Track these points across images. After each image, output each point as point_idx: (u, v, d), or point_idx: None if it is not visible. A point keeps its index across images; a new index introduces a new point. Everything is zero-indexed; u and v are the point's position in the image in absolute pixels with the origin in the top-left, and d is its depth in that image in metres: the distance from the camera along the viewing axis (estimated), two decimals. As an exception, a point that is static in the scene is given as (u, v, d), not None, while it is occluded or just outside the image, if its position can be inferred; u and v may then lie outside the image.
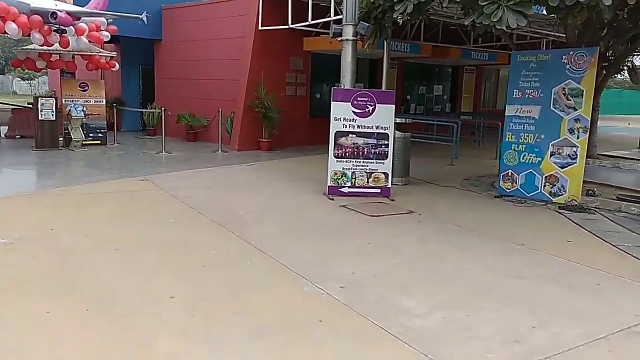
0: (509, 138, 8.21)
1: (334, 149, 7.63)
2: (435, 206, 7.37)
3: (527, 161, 8.02)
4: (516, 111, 8.12)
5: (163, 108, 13.06)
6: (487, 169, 11.28)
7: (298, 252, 5.02)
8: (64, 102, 12.39)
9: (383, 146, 7.75)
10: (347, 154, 7.67)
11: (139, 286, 4.12)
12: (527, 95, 7.99)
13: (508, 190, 8.21)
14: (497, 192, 8.34)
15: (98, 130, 12.96)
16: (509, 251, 5.30)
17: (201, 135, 14.33)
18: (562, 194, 7.68)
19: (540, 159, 7.88)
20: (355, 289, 4.12)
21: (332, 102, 7.60)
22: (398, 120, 8.58)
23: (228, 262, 4.70)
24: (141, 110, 15.77)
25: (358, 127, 7.65)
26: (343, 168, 7.68)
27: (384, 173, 7.76)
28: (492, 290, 4.23)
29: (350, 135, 7.66)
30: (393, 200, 7.59)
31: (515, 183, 8.15)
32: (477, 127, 16.19)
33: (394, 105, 7.81)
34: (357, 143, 7.69)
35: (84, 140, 12.44)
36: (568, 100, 7.63)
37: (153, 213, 6.39)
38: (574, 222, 6.63)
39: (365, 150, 7.70)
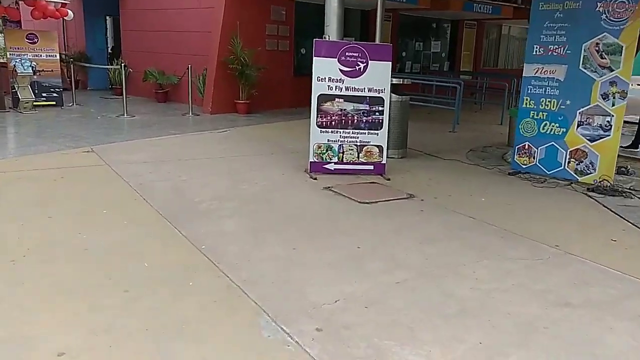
0: (526, 104, 6.85)
1: (317, 117, 6.24)
2: (440, 187, 6.07)
3: (548, 132, 6.69)
4: (536, 71, 6.73)
5: (123, 64, 11.48)
6: (493, 137, 9.96)
7: (262, 263, 3.72)
8: (8, 56, 10.75)
9: (377, 113, 6.37)
10: (334, 122, 6.29)
11: (13, 332, 2.80)
12: (550, 52, 6.59)
13: (524, 166, 6.92)
14: (510, 168, 7.05)
15: (52, 90, 11.36)
16: (541, 258, 4.03)
17: (172, 95, 12.77)
18: (591, 173, 6.40)
19: (564, 130, 6.56)
20: (337, 334, 2.83)
21: (314, 58, 6.15)
22: (395, 80, 7.17)
23: (162, 282, 3.37)
24: (104, 67, 14.10)
25: (346, 89, 6.24)
26: (328, 140, 6.31)
27: (377, 146, 6.41)
28: (533, 331, 2.97)
29: (336, 99, 6.26)
30: (389, 179, 6.28)
31: (533, 158, 6.85)
32: (479, 89, 14.76)
33: (390, 63, 6.38)
34: (345, 109, 6.29)
35: (35, 101, 10.88)
36: (602, 58, 6.24)
37: (84, 200, 5.02)
38: (611, 211, 5.37)
39: (356, 118, 6.32)
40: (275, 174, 6.30)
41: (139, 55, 13.57)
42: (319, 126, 6.23)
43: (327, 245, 4.14)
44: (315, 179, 6.12)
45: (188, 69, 10.91)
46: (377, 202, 5.33)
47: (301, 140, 7.24)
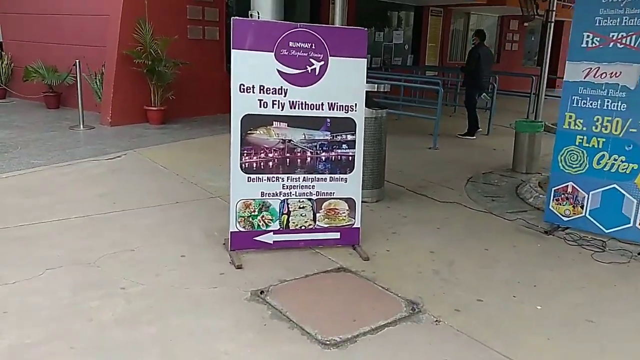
0: (570, 123, 4.45)
1: (242, 155, 3.60)
2: (456, 278, 3.51)
3: (607, 168, 4.33)
4: (587, 74, 4.33)
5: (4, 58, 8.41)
6: (487, 156, 7.60)
7: None
8: None
9: (345, 145, 3.78)
10: (271, 164, 3.67)
11: None
12: (612, 44, 4.21)
13: (566, 219, 4.53)
14: (544, 222, 4.65)
15: None
16: None
17: (68, 100, 9.69)
18: (681, 235, 4.10)
19: (636, 167, 4.22)
20: None
21: (233, 51, 3.49)
22: (368, 87, 4.62)
23: None
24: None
25: (292, 105, 3.61)
26: (263, 194, 3.67)
27: (347, 200, 3.83)
28: None
29: (275, 124, 3.63)
30: (367, 258, 3.72)
31: (582, 207, 4.46)
32: (450, 87, 12.47)
33: (365, 60, 3.80)
34: (290, 141, 3.68)
35: None
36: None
37: None
38: None
39: (309, 154, 3.71)
40: (167, 259, 3.59)
41: (26, 46, 10.41)
42: (245, 171, 3.60)
43: None
44: (240, 266, 3.48)
45: (76, 64, 7.96)
46: (356, 337, 2.74)
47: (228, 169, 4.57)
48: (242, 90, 3.50)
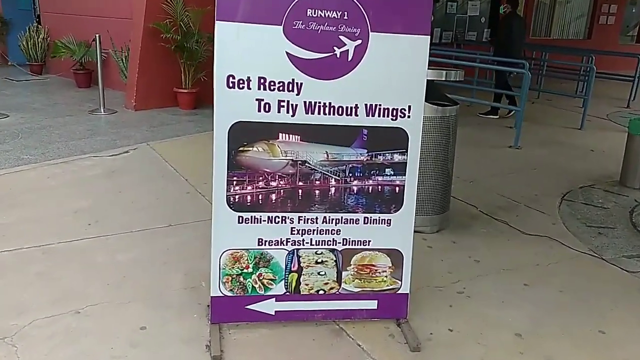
0: None
1: (229, 184, 2.38)
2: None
3: None
4: None
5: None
6: (584, 159, 6.00)
7: None
8: None
9: (389, 171, 2.49)
10: (274, 196, 2.43)
11: None
12: None
13: None
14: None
15: None
16: None
17: (104, 77, 8.84)
18: None
19: None
20: None
21: (218, 24, 2.26)
22: (432, 75, 3.25)
23: None
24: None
25: (309, 108, 2.32)
26: (261, 242, 2.44)
27: (390, 252, 2.55)
28: None
29: (282, 136, 2.38)
30: (417, 348, 2.40)
31: None
32: (536, 68, 10.62)
33: (428, 38, 2.45)
34: (305, 163, 2.42)
35: None
36: None
37: None
38: None
39: (334, 184, 2.43)
40: (120, 333, 2.41)
41: (64, 19, 9.65)
42: (235, 207, 2.38)
43: None
44: (219, 358, 2.29)
45: (95, 39, 7.00)
46: None
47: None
48: (231, 84, 2.25)
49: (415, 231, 2.56)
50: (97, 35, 6.94)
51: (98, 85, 7.20)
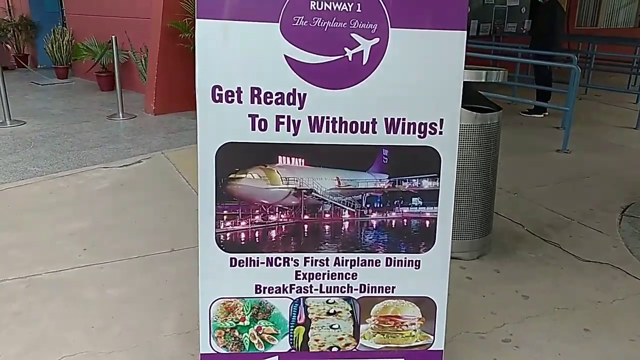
0: None
1: (218, 219, 1.94)
2: None
3: None
4: None
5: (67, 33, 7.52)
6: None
7: None
8: None
9: (416, 200, 2.02)
10: (275, 233, 2.00)
11: None
12: None
13: None
14: None
15: None
16: None
17: (124, 81, 8.59)
18: None
19: None
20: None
21: (200, 22, 1.83)
22: (470, 76, 2.75)
23: None
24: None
25: (315, 125, 1.86)
26: (259, 289, 1.99)
27: (419, 301, 2.07)
28: None
29: (282, 160, 1.95)
30: None
31: None
32: (584, 60, 9.82)
33: (464, 34, 1.97)
34: (312, 193, 1.98)
35: None
36: None
37: None
38: None
39: (348, 217, 1.95)
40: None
41: (86, 21, 9.50)
42: (226, 247, 1.94)
43: None
44: None
45: (112, 40, 6.73)
46: None
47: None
48: (217, 98, 1.82)
49: (451, 257, 2.07)
50: (113, 36, 6.67)
51: (123, 88, 6.96)
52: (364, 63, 1.84)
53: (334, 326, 2.03)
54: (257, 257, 1.94)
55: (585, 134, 6.25)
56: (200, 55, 1.81)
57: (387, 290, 2.02)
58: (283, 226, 1.94)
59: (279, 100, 1.83)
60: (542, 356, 2.33)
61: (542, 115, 7.27)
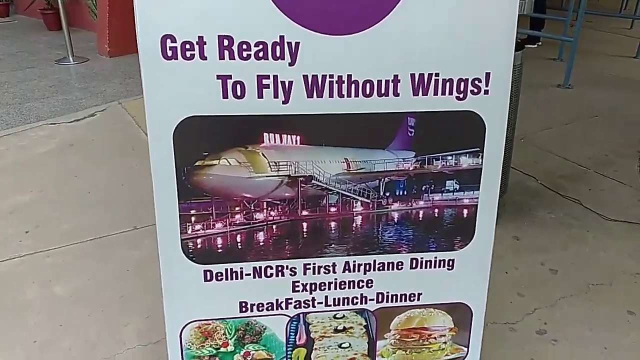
0: None
1: (183, 220, 1.42)
2: None
3: None
4: None
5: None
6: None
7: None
8: None
9: (451, 183, 1.53)
10: (262, 236, 1.50)
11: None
12: None
13: None
14: None
15: None
16: None
17: (74, 18, 7.61)
18: None
19: None
20: None
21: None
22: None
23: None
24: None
25: (313, 88, 1.32)
26: (244, 307, 1.47)
27: (451, 309, 1.61)
28: None
29: (269, 138, 1.41)
30: None
31: None
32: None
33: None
34: (312, 180, 1.47)
35: None
36: None
37: None
38: None
39: (361, 210, 1.44)
40: None
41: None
42: (196, 257, 1.44)
43: None
44: None
45: (52, -29, 5.82)
46: None
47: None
48: (170, 53, 1.23)
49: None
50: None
51: (73, 26, 6.12)
52: (382, -4, 1.28)
53: (343, 345, 1.59)
54: (241, 268, 1.45)
55: (585, 66, 5.76)
56: (140, -10, 1.21)
57: (412, 298, 1.56)
58: (274, 226, 1.43)
59: (261, 54, 1.27)
60: (586, 353, 1.96)
61: (535, 46, 6.74)
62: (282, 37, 1.27)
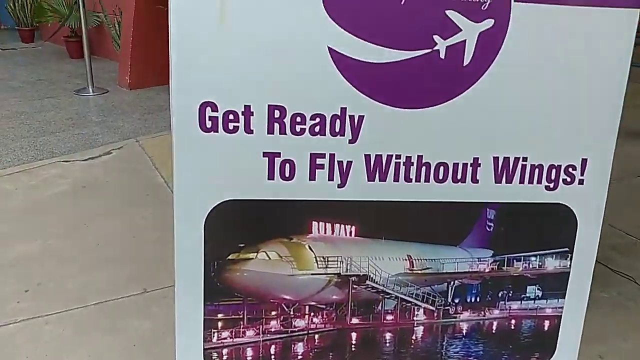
0: None
1: (207, 325, 1.13)
2: None
3: None
4: None
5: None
6: None
7: None
8: None
9: (533, 290, 1.25)
10: (302, 347, 1.23)
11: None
12: None
13: None
14: None
15: None
16: None
17: (96, 47, 7.58)
18: None
19: None
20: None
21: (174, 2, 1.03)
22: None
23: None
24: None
25: (375, 169, 1.07)
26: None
27: None
28: None
29: (318, 228, 1.17)
30: None
31: None
32: None
33: (637, 13, 1.19)
34: (366, 281, 1.21)
35: None
36: None
37: None
38: None
39: (424, 319, 1.17)
40: None
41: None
42: (221, 366, 1.20)
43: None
44: None
45: (78, 0, 5.76)
46: None
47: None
48: (209, 124, 1.02)
49: None
50: (79, -6, 5.69)
51: (95, 55, 6.05)
52: (465, 63, 1.05)
53: None
54: (272, 382, 1.19)
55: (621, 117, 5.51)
56: (176, 48, 1.00)
57: None
58: (316, 336, 1.17)
59: (317, 128, 1.04)
60: None
61: None
62: (343, 110, 1.04)
